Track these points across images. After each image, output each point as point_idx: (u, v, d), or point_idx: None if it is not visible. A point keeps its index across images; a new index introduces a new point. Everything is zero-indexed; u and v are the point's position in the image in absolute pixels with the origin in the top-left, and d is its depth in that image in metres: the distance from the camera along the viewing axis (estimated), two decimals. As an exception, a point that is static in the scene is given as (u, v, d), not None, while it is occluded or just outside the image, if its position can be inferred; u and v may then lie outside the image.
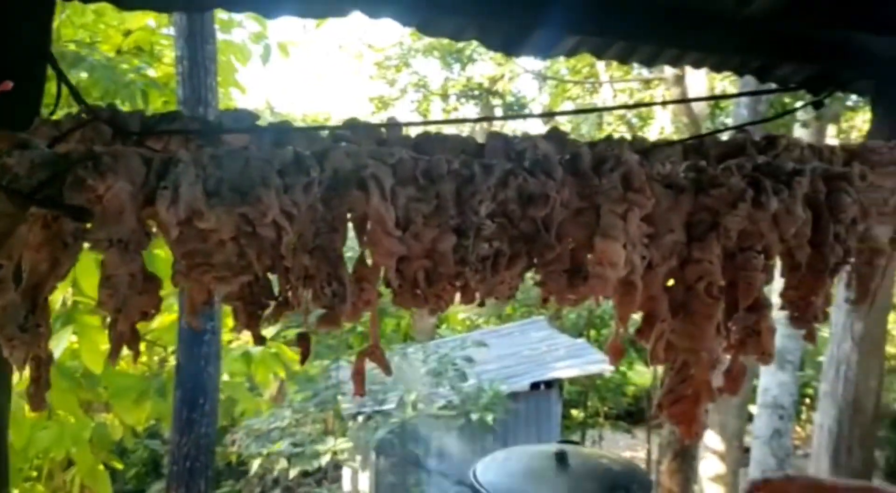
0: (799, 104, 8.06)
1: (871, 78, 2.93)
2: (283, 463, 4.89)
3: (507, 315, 13.47)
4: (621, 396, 14.12)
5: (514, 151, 1.56)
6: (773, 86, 3.27)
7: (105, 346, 4.82)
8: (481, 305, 1.59)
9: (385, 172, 1.23)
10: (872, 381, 2.91)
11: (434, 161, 1.28)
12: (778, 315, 5.36)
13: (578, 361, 8.61)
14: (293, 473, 4.98)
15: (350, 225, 1.27)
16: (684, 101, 8.31)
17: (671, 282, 1.52)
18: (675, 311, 1.51)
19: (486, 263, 1.33)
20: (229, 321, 5.96)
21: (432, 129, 1.83)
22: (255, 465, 5.02)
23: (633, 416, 14.11)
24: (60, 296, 4.92)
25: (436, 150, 1.57)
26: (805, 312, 1.62)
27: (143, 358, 5.94)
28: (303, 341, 1.55)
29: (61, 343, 4.91)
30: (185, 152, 1.17)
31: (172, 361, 5.12)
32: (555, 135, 1.78)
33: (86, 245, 1.12)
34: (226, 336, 5.56)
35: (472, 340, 7.28)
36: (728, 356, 1.59)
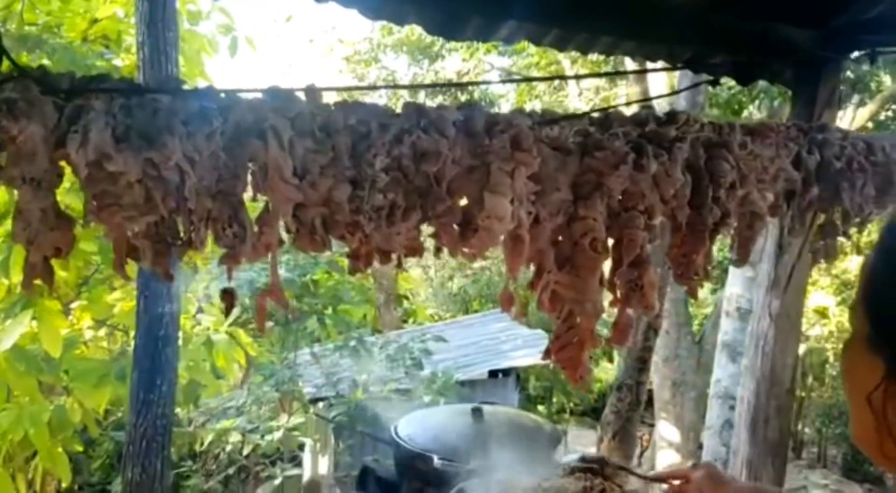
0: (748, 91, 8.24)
1: (792, 68, 3.09)
2: (236, 437, 4.98)
3: (474, 310, 13.64)
4: (587, 392, 14.30)
5: (426, 120, 1.69)
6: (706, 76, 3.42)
7: (64, 330, 4.88)
8: (398, 265, 1.72)
9: (284, 124, 1.35)
10: (789, 357, 3.06)
11: (332, 116, 1.40)
12: (730, 308, 5.51)
13: (536, 350, 8.78)
14: (247, 450, 5.06)
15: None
16: (641, 100, 8.52)
17: (559, 238, 1.65)
18: (562, 264, 1.64)
19: (380, 212, 1.45)
20: (190, 307, 6.04)
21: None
22: (208, 439, 5.10)
23: (597, 412, 14.28)
24: (18, 280, 4.98)
25: (349, 112, 1.69)
26: (687, 269, 1.76)
27: (104, 343, 6.01)
28: (227, 296, 1.67)
29: (20, 327, 4.98)
30: (98, 102, 1.28)
31: (134, 346, 5.18)
32: (467, 105, 1.90)
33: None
34: (186, 323, 5.65)
35: (433, 333, 7.39)
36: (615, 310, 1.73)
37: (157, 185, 1.28)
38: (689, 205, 1.70)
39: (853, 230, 1.93)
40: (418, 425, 2.17)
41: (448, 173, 1.49)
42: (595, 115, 2.04)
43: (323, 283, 6.51)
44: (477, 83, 13.32)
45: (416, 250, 1.63)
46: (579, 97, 12.32)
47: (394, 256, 1.64)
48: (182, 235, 1.36)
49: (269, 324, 8.01)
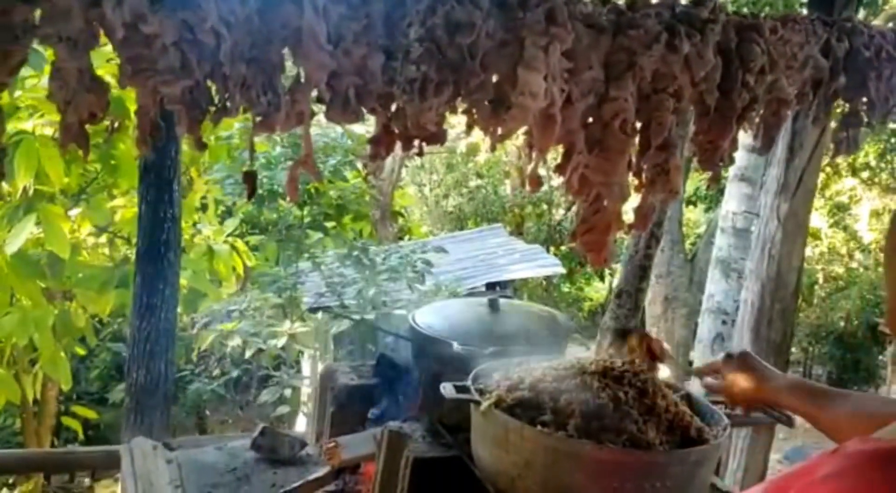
0: None
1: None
2: (237, 341, 5.03)
3: (469, 228, 13.67)
4: (578, 311, 14.51)
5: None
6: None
7: (70, 235, 4.87)
8: (420, 153, 1.71)
9: (318, -12, 1.32)
10: (795, 259, 3.10)
11: (366, -19, 1.37)
12: (725, 224, 5.53)
13: (532, 264, 8.89)
14: (249, 353, 5.13)
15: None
16: None
17: (590, 119, 1.64)
18: (592, 146, 1.64)
19: (413, 85, 1.43)
20: (189, 218, 6.03)
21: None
22: (209, 340, 5.15)
23: (588, 330, 14.48)
24: (22, 184, 4.95)
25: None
26: (713, 155, 1.76)
27: (106, 250, 6.02)
28: (248, 178, 1.66)
29: (25, 231, 4.97)
30: (130, -39, 1.25)
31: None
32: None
33: (35, 42, 1.21)
34: (186, 232, 5.65)
35: (433, 245, 7.42)
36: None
37: (193, 48, 1.26)
38: (718, 88, 1.69)
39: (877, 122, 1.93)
40: (436, 314, 2.20)
41: (482, 47, 1.47)
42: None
43: (325, 190, 6.49)
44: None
45: (439, 136, 1.61)
46: None
47: (416, 142, 1.63)
48: (216, 101, 1.34)
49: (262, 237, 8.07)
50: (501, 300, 2.22)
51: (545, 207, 14.40)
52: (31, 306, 5.19)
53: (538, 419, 1.53)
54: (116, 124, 1.84)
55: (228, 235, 6.25)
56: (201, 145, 1.37)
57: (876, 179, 12.64)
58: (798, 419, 1.61)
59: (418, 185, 15.53)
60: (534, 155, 1.62)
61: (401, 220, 12.95)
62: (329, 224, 6.86)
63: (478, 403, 1.60)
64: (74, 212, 5.79)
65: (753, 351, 3.14)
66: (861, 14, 8.13)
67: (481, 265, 8.49)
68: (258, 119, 1.34)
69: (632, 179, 1.73)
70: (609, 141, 1.63)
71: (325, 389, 2.36)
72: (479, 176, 15.25)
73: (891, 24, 9.80)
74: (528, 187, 1.64)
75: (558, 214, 14.48)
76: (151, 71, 1.28)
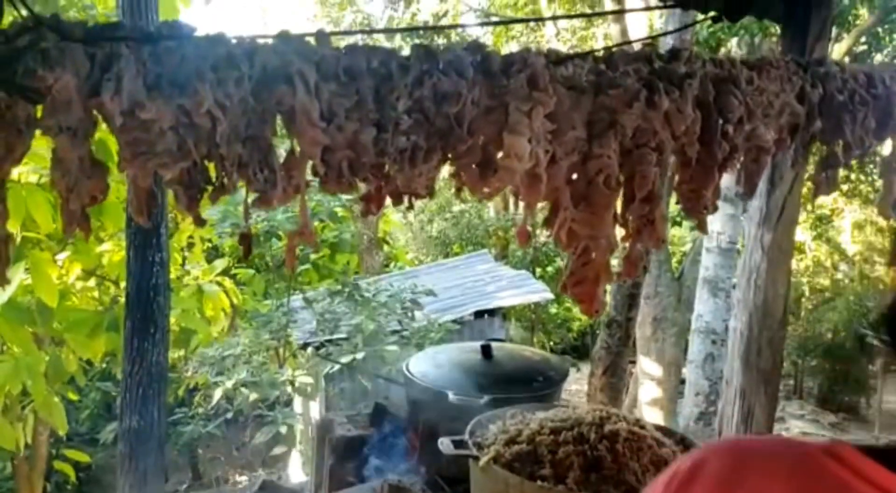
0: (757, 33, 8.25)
1: (783, 1, 3.10)
2: (243, 392, 5.03)
3: (454, 254, 13.71)
4: (567, 331, 14.55)
5: (435, 60, 1.70)
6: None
7: (58, 279, 4.88)
8: (410, 207, 1.76)
9: (309, 68, 1.37)
10: (781, 288, 3.14)
11: (354, 58, 1.42)
12: (710, 244, 5.62)
13: (520, 291, 8.92)
14: (252, 397, 5.13)
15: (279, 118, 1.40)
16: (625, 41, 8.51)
17: (574, 175, 1.69)
18: (577, 201, 1.68)
19: (404, 154, 1.48)
20: (177, 257, 6.04)
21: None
22: (217, 394, 5.14)
23: (577, 350, 14.55)
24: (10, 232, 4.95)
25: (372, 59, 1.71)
26: (697, 203, 1.81)
27: (95, 293, 6.02)
28: (245, 240, 1.70)
29: (15, 280, 4.97)
30: (127, 49, 1.29)
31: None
32: (475, 44, 1.92)
33: (38, 132, 1.24)
34: (174, 273, 5.66)
35: (419, 276, 7.47)
36: (626, 244, 1.78)
37: (190, 131, 1.30)
38: (698, 140, 1.74)
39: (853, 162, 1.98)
40: (429, 362, 2.22)
41: (468, 114, 1.52)
42: (600, 53, 2.07)
43: (321, 234, 6.52)
44: (455, 27, 13.19)
45: (429, 193, 1.66)
46: (556, 37, 12.24)
47: (405, 198, 1.67)
48: (214, 180, 1.38)
49: (251, 272, 8.08)
50: (494, 345, 2.26)
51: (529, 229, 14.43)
52: (23, 354, 5.18)
53: (537, 473, 1.56)
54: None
55: (217, 274, 6.27)
56: (200, 222, 1.40)
57: (857, 191, 12.78)
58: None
59: (401, 211, 15.53)
60: (521, 211, 1.66)
61: (386, 247, 12.97)
62: (316, 256, 6.90)
63: (476, 458, 1.63)
64: (62, 256, 5.79)
65: (744, 381, 3.20)
66: (834, 31, 8.27)
67: (469, 293, 8.52)
68: (256, 195, 1.38)
69: (619, 230, 1.77)
70: (594, 196, 1.68)
71: (321, 440, 2.38)
72: (463, 201, 15.32)
73: (863, 39, 9.97)
74: (518, 243, 1.67)
75: (542, 235, 14.55)
76: (150, 154, 1.31)
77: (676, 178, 1.82)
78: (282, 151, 1.52)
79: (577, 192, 1.68)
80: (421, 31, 11.82)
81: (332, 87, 1.39)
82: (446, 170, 1.65)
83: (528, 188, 1.62)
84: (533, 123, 1.55)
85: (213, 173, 1.39)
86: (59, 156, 1.23)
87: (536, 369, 2.20)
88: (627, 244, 1.78)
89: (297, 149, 1.43)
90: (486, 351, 2.21)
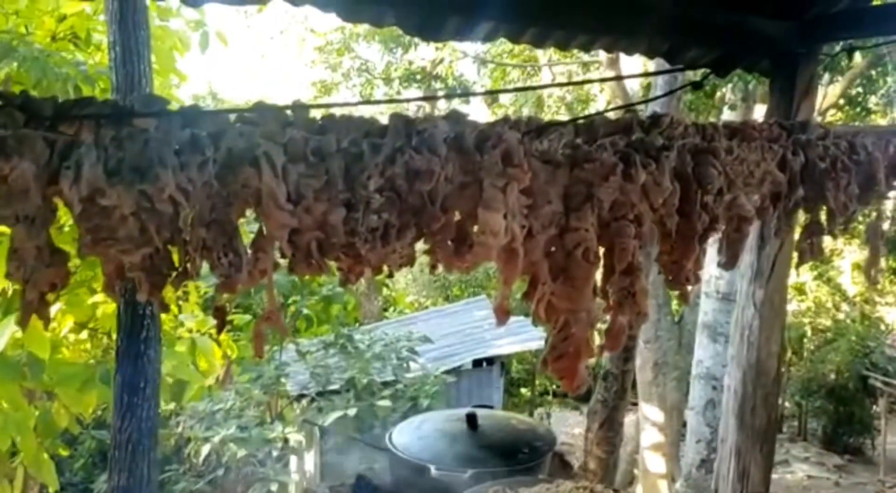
0: (724, 85, 8.28)
1: (768, 59, 3.12)
2: (232, 448, 4.95)
3: (454, 296, 13.66)
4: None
5: (414, 132, 1.68)
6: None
7: (49, 332, 4.84)
8: (390, 276, 1.73)
9: (276, 150, 1.34)
10: (774, 345, 3.11)
11: (324, 140, 1.40)
12: (709, 289, 5.60)
13: (518, 338, 8.85)
14: (241, 454, 5.05)
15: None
16: (618, 78, 8.58)
17: (552, 249, 1.66)
18: (556, 275, 1.65)
19: (375, 233, 1.45)
20: (172, 308, 6.00)
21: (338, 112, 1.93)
22: (205, 450, 5.06)
23: (579, 395, 14.38)
24: (0, 287, 4.93)
25: (339, 131, 1.69)
26: (678, 274, 1.78)
27: (87, 346, 5.98)
28: (219, 313, 1.67)
29: (4, 335, 4.93)
30: (88, 134, 1.26)
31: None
32: (454, 115, 1.90)
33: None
34: (166, 324, 5.62)
35: (416, 323, 7.41)
36: (608, 317, 1.74)
37: (151, 217, 1.28)
38: (677, 212, 1.71)
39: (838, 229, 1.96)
40: (413, 433, 2.18)
41: (441, 191, 1.49)
42: (580, 121, 2.05)
43: (316, 289, 6.47)
44: (461, 94, 13.25)
45: (407, 264, 1.63)
46: (553, 81, 12.33)
47: (385, 268, 1.64)
48: (177, 265, 1.35)
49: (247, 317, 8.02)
50: (480, 413, 2.21)
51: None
52: (12, 409, 5.12)
53: (517, 559, 1.51)
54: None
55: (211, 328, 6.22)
56: (164, 308, 1.37)
57: (856, 232, 12.76)
58: None
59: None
60: (500, 287, 1.63)
61: (385, 290, 12.93)
62: (310, 309, 6.84)
63: (455, 542, 1.58)
64: (55, 308, 5.75)
65: (739, 439, 3.15)
66: (826, 77, 8.32)
67: (467, 340, 8.46)
68: (220, 280, 1.35)
69: (600, 302, 1.74)
70: (573, 269, 1.65)
71: (305, 511, 2.32)
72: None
73: (857, 81, 10.02)
74: (496, 321, 1.64)
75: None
76: (111, 240, 1.28)
77: (657, 249, 1.79)
78: (254, 228, 1.49)
79: (556, 265, 1.65)
80: (418, 77, 11.94)
81: (300, 168, 1.37)
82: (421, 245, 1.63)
83: (505, 263, 1.58)
84: (508, 198, 1.52)
85: (176, 258, 1.36)
86: (14, 245, 1.20)
87: (523, 440, 2.15)
88: (609, 317, 1.75)
89: (265, 230, 1.40)
90: (471, 421, 2.16)
